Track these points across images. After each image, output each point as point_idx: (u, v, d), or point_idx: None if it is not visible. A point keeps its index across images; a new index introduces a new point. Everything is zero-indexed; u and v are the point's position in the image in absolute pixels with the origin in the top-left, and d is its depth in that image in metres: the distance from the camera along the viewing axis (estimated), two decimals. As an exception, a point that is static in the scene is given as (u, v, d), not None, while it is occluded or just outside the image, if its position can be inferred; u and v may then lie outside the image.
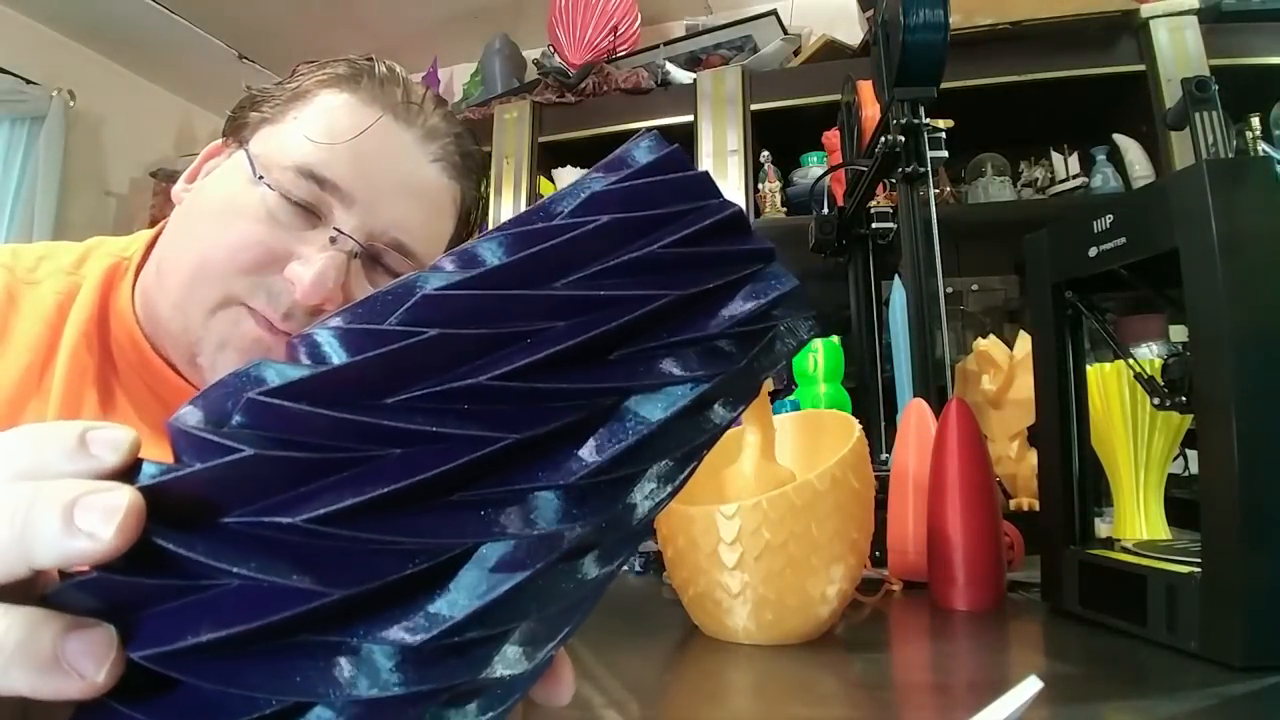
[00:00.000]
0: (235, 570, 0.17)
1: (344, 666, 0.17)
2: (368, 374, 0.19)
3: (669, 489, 0.22)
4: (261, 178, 0.50)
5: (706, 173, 0.23)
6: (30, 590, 0.19)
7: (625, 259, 0.21)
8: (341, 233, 0.51)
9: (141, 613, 0.18)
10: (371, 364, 0.19)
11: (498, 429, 0.19)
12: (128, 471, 0.19)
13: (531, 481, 0.19)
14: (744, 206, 1.89)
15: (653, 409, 0.21)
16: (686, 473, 0.22)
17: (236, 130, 0.55)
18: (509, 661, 0.19)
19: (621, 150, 0.24)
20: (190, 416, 0.19)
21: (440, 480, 0.18)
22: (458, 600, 0.18)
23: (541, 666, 0.20)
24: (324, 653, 0.17)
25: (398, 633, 0.17)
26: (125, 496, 0.17)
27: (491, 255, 0.21)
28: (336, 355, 0.20)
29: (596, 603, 0.21)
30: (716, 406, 0.22)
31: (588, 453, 0.20)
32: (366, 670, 0.17)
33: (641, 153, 0.23)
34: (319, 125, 0.51)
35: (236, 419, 0.19)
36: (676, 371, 0.21)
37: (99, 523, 0.17)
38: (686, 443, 0.21)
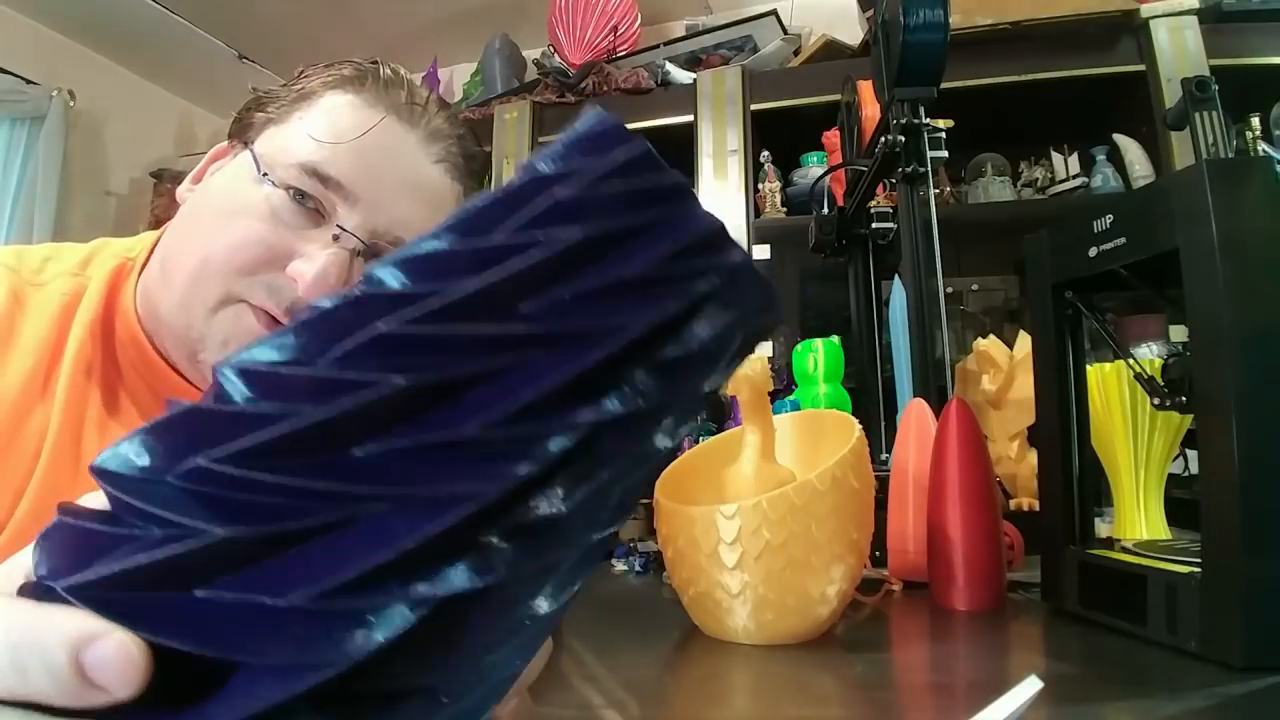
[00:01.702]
0: None
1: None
2: (321, 429, 0.18)
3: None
4: (266, 175, 0.51)
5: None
6: None
7: (595, 285, 0.19)
8: (344, 230, 0.51)
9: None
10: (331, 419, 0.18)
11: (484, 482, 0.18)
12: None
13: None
14: (744, 206, 1.89)
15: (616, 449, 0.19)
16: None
17: (242, 131, 0.55)
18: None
19: (572, 135, 0.21)
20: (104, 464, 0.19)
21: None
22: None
23: None
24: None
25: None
26: (134, 649, 0.16)
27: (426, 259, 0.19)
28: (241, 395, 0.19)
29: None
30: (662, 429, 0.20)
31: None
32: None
33: (592, 142, 0.21)
34: (323, 125, 0.52)
35: (176, 478, 0.18)
36: (633, 392, 0.19)
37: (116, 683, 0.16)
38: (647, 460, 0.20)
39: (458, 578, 0.17)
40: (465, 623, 0.18)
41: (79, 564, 0.17)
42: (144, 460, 0.18)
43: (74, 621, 0.16)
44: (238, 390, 0.19)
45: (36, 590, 0.18)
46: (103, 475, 0.18)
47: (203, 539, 0.17)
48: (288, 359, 0.19)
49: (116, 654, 0.15)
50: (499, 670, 0.20)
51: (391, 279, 0.20)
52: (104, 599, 0.17)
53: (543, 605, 0.19)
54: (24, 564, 0.19)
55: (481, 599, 0.18)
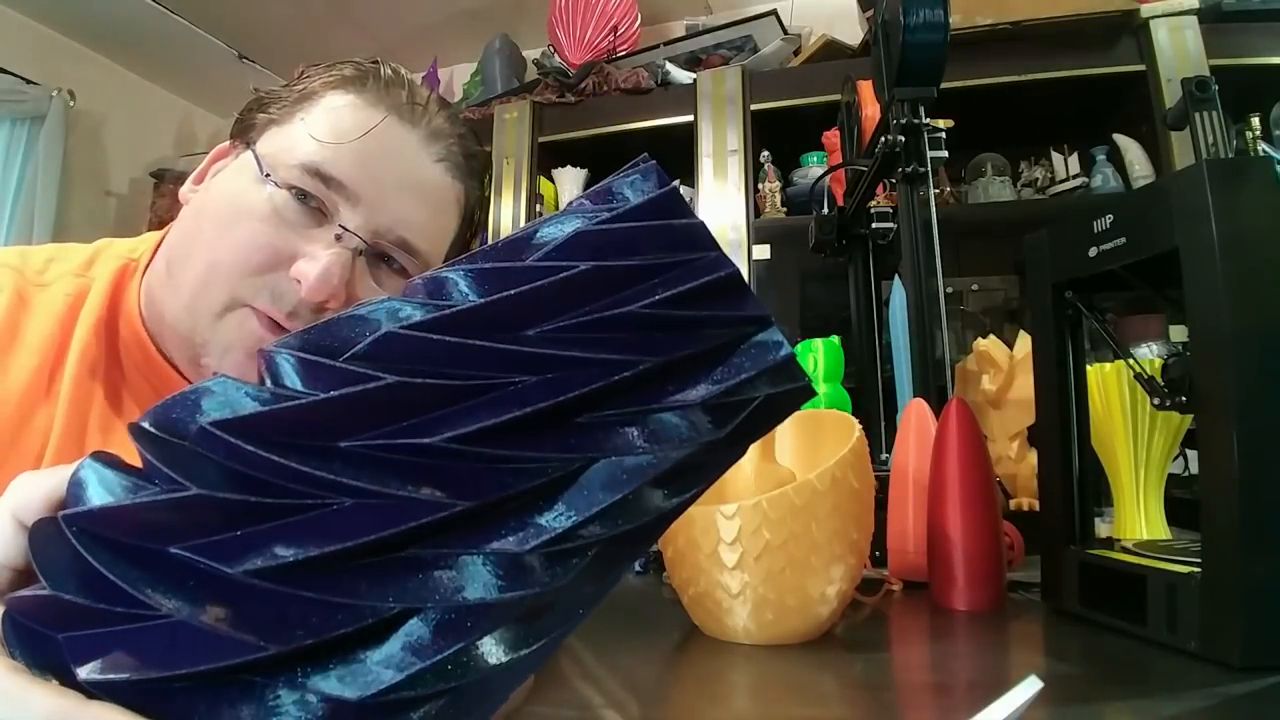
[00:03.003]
0: (169, 606, 0.17)
1: (288, 711, 0.17)
2: (320, 416, 0.18)
3: (619, 568, 0.20)
4: (268, 176, 0.51)
5: (701, 222, 0.21)
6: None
7: (604, 315, 0.20)
8: (347, 230, 0.51)
9: (83, 631, 0.18)
10: (324, 406, 0.18)
11: (448, 493, 0.18)
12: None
13: (473, 547, 0.18)
14: (744, 206, 1.89)
15: (616, 481, 0.19)
16: (643, 545, 0.21)
17: (244, 132, 0.55)
18: None
19: (614, 179, 0.22)
20: (148, 421, 0.19)
21: (382, 542, 0.18)
22: (392, 661, 0.18)
23: None
24: (268, 693, 0.17)
25: (337, 687, 0.17)
26: None
27: (464, 289, 0.20)
28: (291, 381, 0.19)
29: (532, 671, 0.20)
30: (685, 478, 0.21)
31: (544, 521, 0.19)
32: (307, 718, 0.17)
33: (633, 189, 0.21)
34: (325, 125, 0.52)
35: (190, 441, 0.19)
36: (646, 443, 0.19)
37: None
38: (647, 514, 0.20)
39: (388, 594, 0.18)
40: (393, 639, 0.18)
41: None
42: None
43: None
44: None
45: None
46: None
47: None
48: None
49: None
50: None
51: (429, 283, 0.21)
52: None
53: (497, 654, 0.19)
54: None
55: (412, 622, 0.18)
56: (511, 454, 0.19)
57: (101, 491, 0.19)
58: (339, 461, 0.18)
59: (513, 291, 0.19)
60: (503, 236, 0.22)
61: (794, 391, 0.22)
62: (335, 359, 0.19)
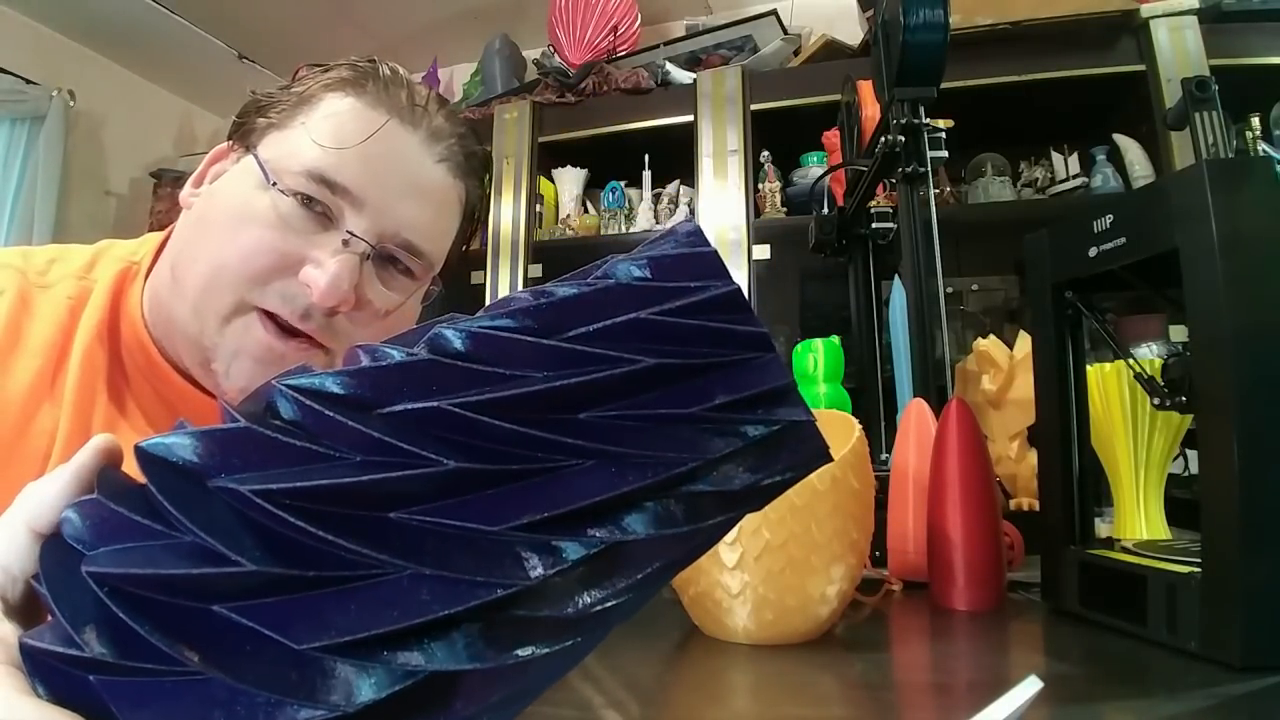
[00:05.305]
0: (216, 667, 0.17)
1: None
2: (374, 490, 0.19)
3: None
4: (275, 184, 0.51)
5: (765, 331, 0.22)
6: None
7: (663, 413, 0.21)
8: (354, 235, 0.51)
9: (119, 678, 0.18)
10: (379, 484, 0.19)
11: (510, 576, 0.19)
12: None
13: (525, 614, 0.19)
14: (744, 206, 1.89)
15: (654, 553, 0.20)
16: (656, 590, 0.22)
17: (243, 136, 0.55)
18: None
19: (671, 251, 0.22)
20: (163, 455, 0.19)
21: (443, 619, 0.18)
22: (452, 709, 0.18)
23: None
24: None
25: None
26: None
27: (469, 348, 0.21)
28: (313, 427, 0.20)
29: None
30: (710, 540, 0.22)
31: (587, 589, 0.20)
32: None
33: (690, 265, 0.22)
34: (327, 130, 0.52)
35: (222, 495, 0.19)
36: (685, 522, 0.21)
37: None
38: (671, 570, 0.22)
39: (447, 657, 0.18)
40: (447, 697, 0.19)
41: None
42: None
43: None
44: (291, 413, 0.20)
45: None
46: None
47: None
48: (348, 394, 0.20)
49: None
50: None
51: (459, 343, 0.21)
52: None
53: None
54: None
55: (466, 679, 0.19)
56: (568, 539, 0.19)
57: (119, 549, 0.19)
58: (392, 534, 0.18)
59: (572, 381, 0.20)
60: (553, 286, 0.22)
61: (819, 466, 0.23)
62: (366, 413, 0.19)
